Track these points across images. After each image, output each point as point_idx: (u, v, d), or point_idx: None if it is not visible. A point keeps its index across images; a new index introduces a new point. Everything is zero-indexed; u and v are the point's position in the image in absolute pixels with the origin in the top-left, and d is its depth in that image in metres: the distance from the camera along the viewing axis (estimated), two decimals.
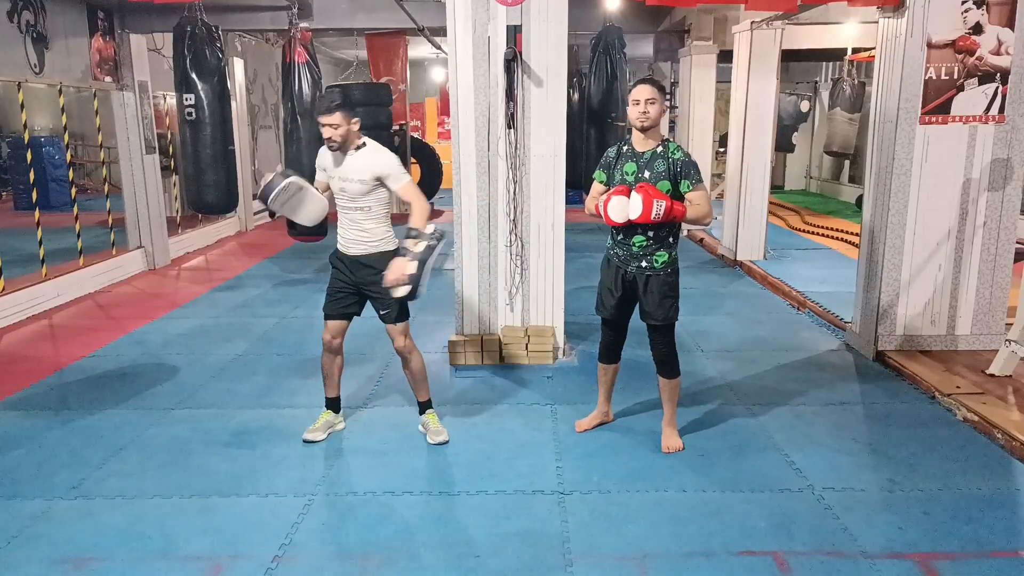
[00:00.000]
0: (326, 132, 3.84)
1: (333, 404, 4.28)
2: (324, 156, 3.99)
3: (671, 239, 3.77)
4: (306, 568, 3.03)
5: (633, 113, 3.67)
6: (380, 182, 3.87)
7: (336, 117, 3.78)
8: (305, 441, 4.13)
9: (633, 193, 3.56)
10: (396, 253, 3.87)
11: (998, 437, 4.09)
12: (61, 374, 5.29)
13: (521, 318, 5.39)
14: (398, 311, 4.01)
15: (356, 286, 4.02)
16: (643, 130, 3.68)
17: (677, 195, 3.65)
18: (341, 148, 3.86)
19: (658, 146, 3.70)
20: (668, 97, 12.90)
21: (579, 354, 5.52)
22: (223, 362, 5.50)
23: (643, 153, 3.71)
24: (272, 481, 3.73)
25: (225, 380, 5.14)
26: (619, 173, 3.75)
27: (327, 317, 4.09)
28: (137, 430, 4.32)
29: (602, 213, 3.65)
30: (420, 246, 3.78)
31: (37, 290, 7.00)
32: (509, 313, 5.39)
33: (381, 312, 4.04)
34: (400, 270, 3.74)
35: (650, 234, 3.71)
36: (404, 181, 3.91)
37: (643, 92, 3.65)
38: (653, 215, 3.51)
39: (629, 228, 3.72)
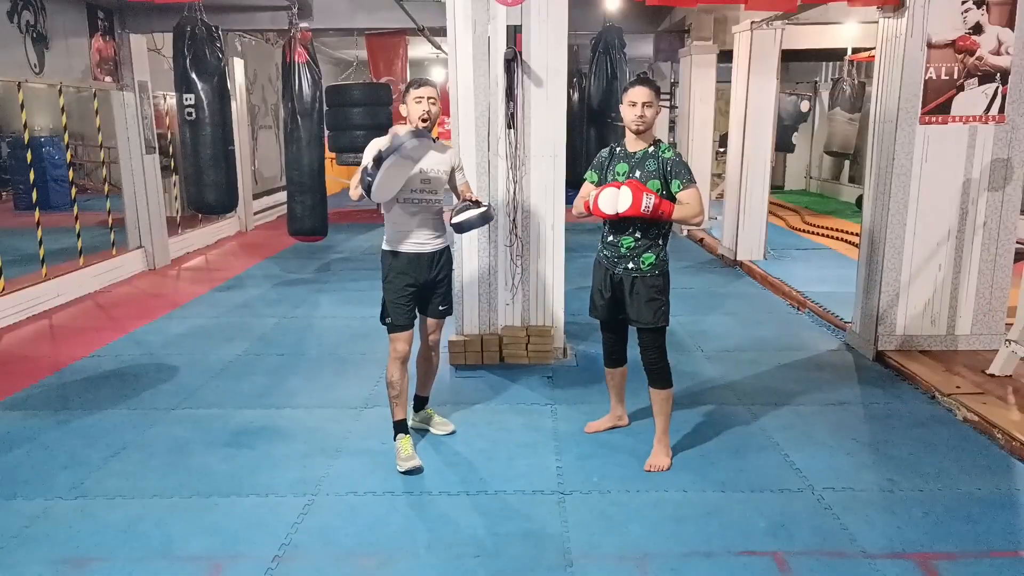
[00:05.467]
0: (420, 107, 3.65)
1: (405, 425, 3.95)
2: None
3: (660, 241, 3.71)
4: (306, 568, 3.03)
5: (629, 115, 3.61)
6: (451, 173, 3.91)
7: (434, 90, 3.69)
8: (406, 472, 3.77)
9: (623, 186, 3.52)
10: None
11: (998, 437, 4.09)
12: (61, 374, 5.29)
13: (521, 318, 5.39)
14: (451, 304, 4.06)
15: (422, 286, 3.88)
16: (638, 133, 3.64)
17: (669, 196, 3.60)
18: (426, 134, 3.65)
19: (650, 146, 3.66)
20: (668, 97, 12.99)
21: (579, 354, 5.52)
22: (223, 362, 5.50)
23: (635, 153, 3.67)
24: (272, 481, 3.73)
25: (225, 380, 5.14)
26: (611, 173, 3.71)
27: (402, 328, 3.84)
28: (137, 430, 4.32)
29: (590, 207, 3.62)
30: (484, 207, 3.87)
31: (37, 290, 7.00)
32: (509, 313, 5.39)
33: (441, 307, 3.99)
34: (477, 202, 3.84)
35: (638, 235, 3.66)
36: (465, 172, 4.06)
37: (640, 94, 3.58)
38: (643, 207, 3.45)
39: (619, 229, 3.69)
